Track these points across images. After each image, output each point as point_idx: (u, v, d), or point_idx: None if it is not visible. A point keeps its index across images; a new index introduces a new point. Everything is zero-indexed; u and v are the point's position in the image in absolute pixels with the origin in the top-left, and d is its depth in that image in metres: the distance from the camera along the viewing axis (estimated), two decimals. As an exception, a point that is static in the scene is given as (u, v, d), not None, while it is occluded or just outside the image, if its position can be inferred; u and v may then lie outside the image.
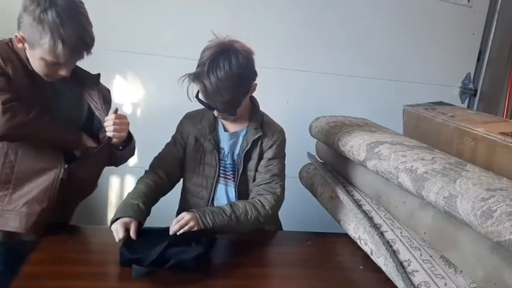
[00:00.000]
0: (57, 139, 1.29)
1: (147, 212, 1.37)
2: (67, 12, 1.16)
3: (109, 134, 1.33)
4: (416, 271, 1.19)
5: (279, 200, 1.49)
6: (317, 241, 1.50)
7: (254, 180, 1.50)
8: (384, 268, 1.30)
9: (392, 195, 1.42)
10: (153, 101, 2.31)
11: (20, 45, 1.21)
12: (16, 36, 1.20)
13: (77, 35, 1.18)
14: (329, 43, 2.42)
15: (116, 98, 2.23)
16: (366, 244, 1.43)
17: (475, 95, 2.73)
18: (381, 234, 1.37)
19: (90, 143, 1.35)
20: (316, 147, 2.06)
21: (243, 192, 1.50)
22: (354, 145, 1.53)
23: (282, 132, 1.54)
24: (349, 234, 1.57)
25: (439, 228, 1.19)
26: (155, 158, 1.58)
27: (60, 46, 1.16)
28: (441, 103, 1.98)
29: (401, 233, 1.36)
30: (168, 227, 1.29)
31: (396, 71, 2.57)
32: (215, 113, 1.41)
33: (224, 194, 1.52)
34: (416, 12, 2.52)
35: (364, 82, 2.51)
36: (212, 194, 1.51)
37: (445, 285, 1.10)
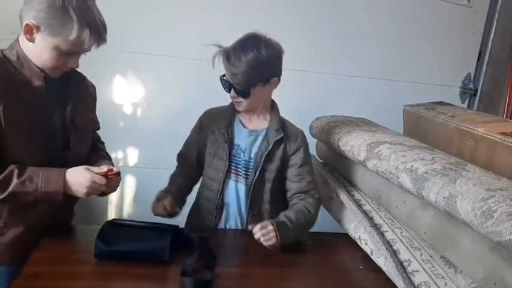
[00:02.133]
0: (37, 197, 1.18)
1: (182, 200, 1.56)
2: None
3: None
4: (417, 271, 1.19)
5: (320, 203, 1.55)
6: (317, 241, 1.50)
7: (270, 182, 1.50)
8: (384, 268, 1.30)
9: (392, 195, 1.42)
10: (153, 101, 2.31)
11: (28, 36, 1.15)
12: (27, 25, 1.13)
13: (99, 19, 1.16)
14: (329, 43, 2.42)
15: (116, 97, 2.24)
16: (366, 244, 1.43)
17: (475, 95, 2.73)
18: (381, 234, 1.37)
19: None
20: (316, 147, 2.06)
21: (256, 191, 1.50)
22: (354, 145, 1.53)
23: (304, 136, 1.57)
24: (349, 234, 1.57)
25: (439, 228, 1.19)
26: (179, 155, 1.66)
27: (87, 32, 1.13)
28: (441, 103, 1.98)
29: (401, 233, 1.36)
30: (141, 221, 1.32)
31: (396, 70, 2.56)
32: (231, 92, 1.44)
33: (234, 190, 1.52)
34: (417, 12, 2.52)
35: (364, 82, 2.51)
36: (221, 188, 1.51)
37: (445, 285, 1.11)
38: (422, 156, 1.29)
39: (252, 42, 1.38)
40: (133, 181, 2.33)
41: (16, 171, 1.16)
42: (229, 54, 1.38)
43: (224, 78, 1.43)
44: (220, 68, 1.40)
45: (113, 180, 1.27)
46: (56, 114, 1.28)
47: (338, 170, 1.83)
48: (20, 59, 1.19)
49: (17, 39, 1.21)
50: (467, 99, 2.76)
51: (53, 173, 1.19)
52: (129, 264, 1.19)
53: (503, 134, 1.35)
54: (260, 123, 1.52)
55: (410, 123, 1.92)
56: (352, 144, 1.55)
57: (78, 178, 1.20)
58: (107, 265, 1.19)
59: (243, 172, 1.50)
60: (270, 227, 1.35)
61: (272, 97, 1.55)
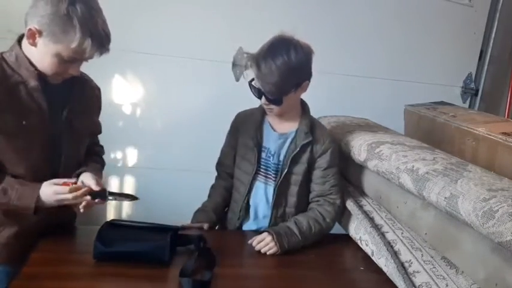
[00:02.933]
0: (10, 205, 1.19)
1: (219, 216, 1.58)
2: (93, 6, 1.14)
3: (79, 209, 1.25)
4: (418, 272, 1.18)
5: (339, 210, 1.54)
6: (317, 242, 1.49)
7: (297, 185, 1.50)
8: (385, 269, 1.30)
9: (393, 195, 1.41)
10: (153, 101, 2.30)
11: (31, 40, 1.14)
12: (30, 30, 1.12)
13: (102, 29, 1.15)
14: (329, 42, 2.41)
15: (116, 97, 2.24)
16: (366, 245, 1.43)
17: (476, 94, 2.73)
18: (382, 235, 1.36)
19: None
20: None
21: (281, 193, 1.50)
22: (355, 145, 1.52)
23: (333, 139, 1.55)
24: (350, 235, 1.57)
25: (441, 228, 1.18)
26: (217, 164, 1.65)
27: (89, 41, 1.12)
28: (442, 103, 1.97)
29: (402, 233, 1.35)
30: (140, 222, 1.31)
31: (397, 70, 2.56)
32: (262, 100, 1.42)
33: (263, 193, 1.52)
34: (418, 11, 2.51)
35: (365, 82, 2.50)
36: (248, 190, 1.52)
37: (447, 286, 1.10)
38: (423, 156, 1.28)
39: (282, 48, 1.33)
40: (132, 181, 2.33)
41: None
42: (259, 62, 1.34)
43: (254, 84, 1.40)
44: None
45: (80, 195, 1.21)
46: (55, 116, 1.26)
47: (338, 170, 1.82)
48: (18, 60, 1.18)
49: (17, 40, 1.20)
50: (469, 99, 2.75)
51: (27, 189, 1.19)
52: (129, 265, 1.19)
53: (504, 134, 1.35)
54: (289, 125, 1.51)
55: (411, 123, 1.92)
56: (353, 144, 1.54)
57: (46, 192, 1.19)
58: (106, 266, 1.19)
59: (273, 175, 1.50)
60: (268, 238, 1.37)
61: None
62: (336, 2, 2.39)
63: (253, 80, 1.40)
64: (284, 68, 1.32)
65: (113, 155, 2.24)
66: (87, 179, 1.25)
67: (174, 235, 1.27)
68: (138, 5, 2.16)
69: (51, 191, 1.19)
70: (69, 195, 1.18)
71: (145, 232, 1.27)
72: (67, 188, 1.19)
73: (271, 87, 1.35)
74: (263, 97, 1.40)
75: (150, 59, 2.21)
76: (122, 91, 2.24)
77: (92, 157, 1.46)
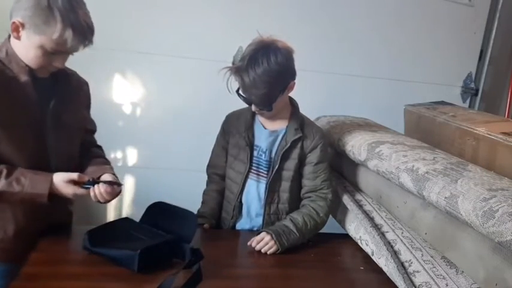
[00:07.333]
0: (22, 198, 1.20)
1: (218, 219, 1.60)
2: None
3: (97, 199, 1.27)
4: (418, 272, 1.18)
5: (331, 205, 1.55)
6: (317, 241, 1.49)
7: (289, 181, 1.51)
8: (385, 269, 1.30)
9: (393, 195, 1.42)
10: (152, 101, 2.30)
11: (15, 33, 1.17)
12: (14, 23, 1.15)
13: (84, 21, 1.17)
14: (329, 42, 2.41)
15: (115, 97, 2.24)
16: (366, 245, 1.43)
17: (476, 94, 2.72)
18: (382, 235, 1.36)
19: (67, 189, 1.23)
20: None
21: (273, 190, 1.51)
22: (355, 145, 1.52)
23: (323, 134, 1.57)
24: (350, 234, 1.57)
25: (441, 228, 1.18)
26: (208, 166, 1.65)
27: (70, 32, 1.14)
28: (442, 103, 1.97)
29: (402, 233, 1.35)
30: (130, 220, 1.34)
31: (397, 70, 2.56)
32: (253, 107, 1.44)
33: (255, 190, 1.53)
34: (418, 11, 2.51)
35: (365, 82, 2.50)
36: (240, 189, 1.53)
37: (447, 285, 1.10)
38: (423, 156, 1.28)
39: (262, 55, 1.33)
40: (132, 181, 2.33)
41: (5, 171, 1.18)
42: (241, 75, 1.35)
43: (241, 94, 1.40)
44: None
45: (104, 191, 1.26)
46: (44, 109, 1.27)
47: (338, 170, 1.82)
48: (9, 55, 1.21)
49: (8, 37, 1.22)
50: (469, 99, 2.75)
51: (40, 176, 1.21)
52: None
53: (504, 133, 1.35)
54: (280, 123, 1.52)
55: (411, 123, 1.92)
56: (353, 144, 1.54)
57: (63, 190, 1.22)
58: (105, 266, 1.19)
59: (265, 172, 1.51)
60: (267, 238, 1.38)
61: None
62: (336, 2, 2.39)
63: (239, 88, 1.40)
64: (267, 78, 1.33)
65: (113, 154, 2.23)
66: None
67: (166, 245, 1.25)
68: (138, 5, 2.16)
69: (70, 193, 1.22)
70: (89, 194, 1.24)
71: (136, 237, 1.27)
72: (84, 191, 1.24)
73: (258, 99, 1.38)
74: (253, 105, 1.42)
75: (149, 58, 2.21)
76: (121, 91, 2.24)
77: (97, 159, 1.46)
